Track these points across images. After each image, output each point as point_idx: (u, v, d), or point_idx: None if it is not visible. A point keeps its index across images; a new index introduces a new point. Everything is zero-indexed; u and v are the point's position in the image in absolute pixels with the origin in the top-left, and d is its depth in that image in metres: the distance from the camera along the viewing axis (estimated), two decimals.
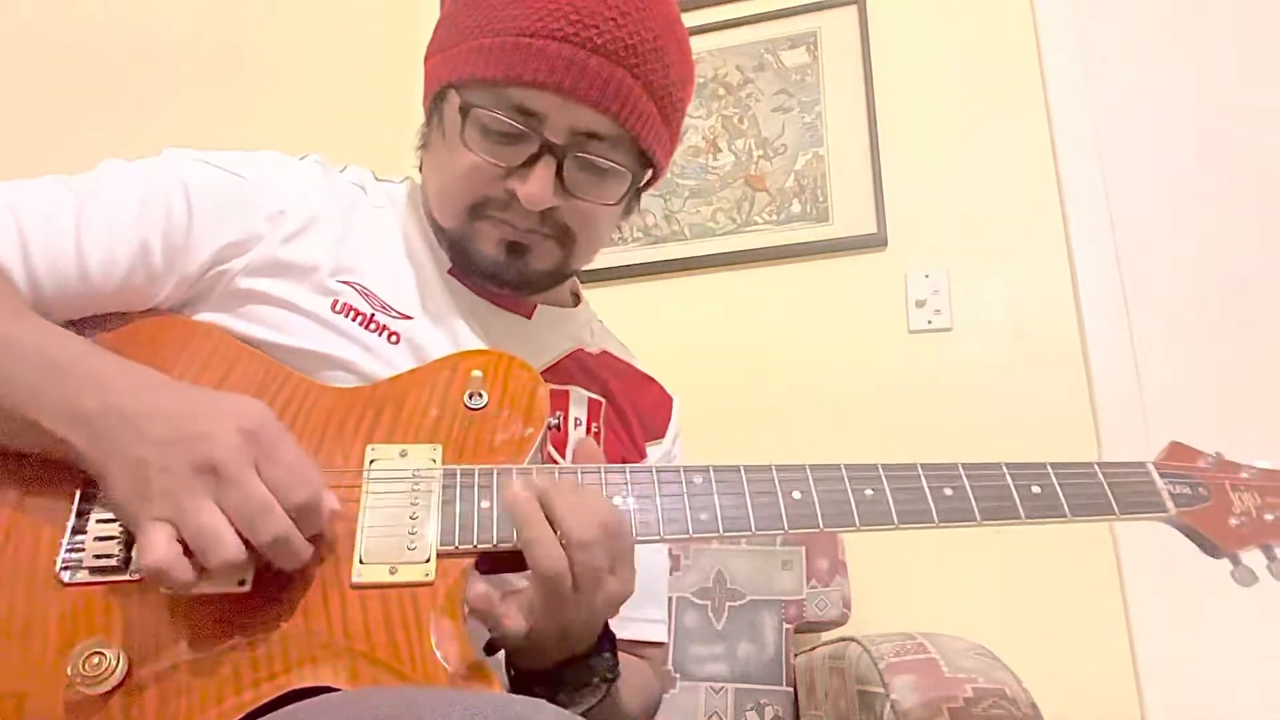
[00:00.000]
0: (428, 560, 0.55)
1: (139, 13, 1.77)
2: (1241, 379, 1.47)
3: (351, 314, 0.69)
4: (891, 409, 1.54)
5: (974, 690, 0.77)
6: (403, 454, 0.60)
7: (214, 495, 0.49)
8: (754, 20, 1.82)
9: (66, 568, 0.53)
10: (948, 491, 0.65)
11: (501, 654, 0.61)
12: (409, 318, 0.71)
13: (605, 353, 0.87)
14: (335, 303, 0.69)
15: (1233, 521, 0.69)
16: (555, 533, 0.54)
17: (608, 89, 0.67)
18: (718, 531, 0.61)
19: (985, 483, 0.65)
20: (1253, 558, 0.69)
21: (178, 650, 0.51)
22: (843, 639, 1.03)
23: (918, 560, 1.45)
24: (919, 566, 1.45)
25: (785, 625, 1.22)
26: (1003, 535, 1.43)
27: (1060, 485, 0.66)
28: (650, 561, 0.83)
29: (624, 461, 0.80)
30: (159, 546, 0.47)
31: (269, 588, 0.53)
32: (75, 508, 0.55)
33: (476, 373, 0.64)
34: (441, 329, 0.72)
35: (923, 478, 0.65)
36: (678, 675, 1.21)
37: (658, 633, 0.82)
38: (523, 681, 0.61)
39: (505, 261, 0.72)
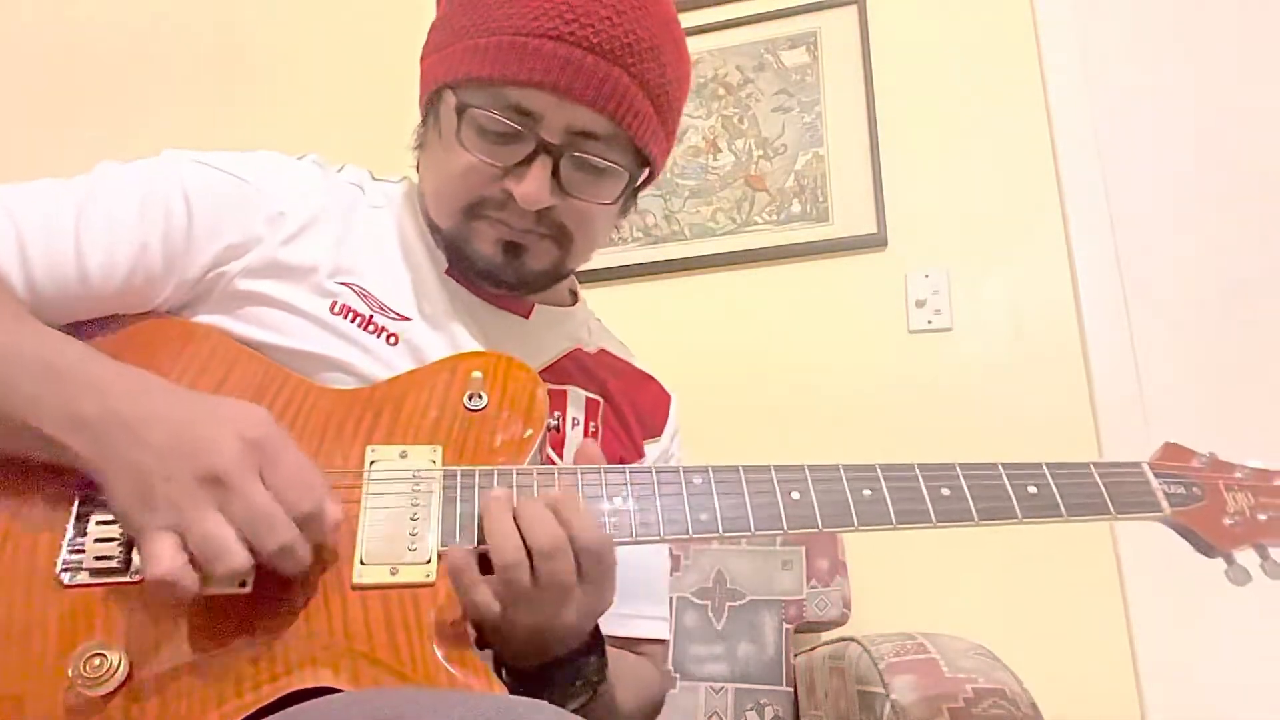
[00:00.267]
0: (429, 561, 0.55)
1: (139, 13, 1.77)
2: (1241, 379, 1.47)
3: (350, 315, 0.69)
4: (891, 409, 1.54)
5: (974, 690, 0.77)
6: (403, 455, 0.60)
7: (218, 505, 0.49)
8: (754, 20, 1.82)
9: (67, 569, 0.53)
10: (945, 491, 0.65)
11: (489, 653, 0.62)
12: (407, 319, 0.71)
13: (603, 351, 0.87)
14: (334, 304, 0.69)
15: (1227, 521, 0.69)
16: (521, 546, 0.54)
17: (604, 88, 0.67)
18: (717, 532, 0.61)
19: (982, 483, 0.66)
20: (1246, 557, 0.69)
21: (178, 652, 0.51)
22: (843, 639, 1.03)
23: (918, 560, 1.45)
24: (919, 566, 1.45)
25: (785, 625, 1.22)
26: (1002, 535, 1.43)
27: (1056, 485, 0.67)
28: (651, 560, 0.83)
29: (622, 461, 0.80)
30: (165, 557, 0.47)
31: (270, 589, 0.53)
32: (75, 510, 0.55)
33: (476, 374, 0.64)
34: (439, 330, 0.72)
35: (920, 478, 0.65)
36: (678, 675, 1.21)
37: (659, 630, 0.82)
38: (512, 683, 0.61)
39: (502, 261, 0.72)
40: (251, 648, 0.51)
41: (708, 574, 1.27)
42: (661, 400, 0.89)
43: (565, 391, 0.79)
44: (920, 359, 1.57)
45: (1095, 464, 0.68)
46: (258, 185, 0.69)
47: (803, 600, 1.23)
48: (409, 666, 0.51)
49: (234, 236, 0.67)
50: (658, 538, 0.61)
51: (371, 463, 0.59)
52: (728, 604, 1.25)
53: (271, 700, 0.50)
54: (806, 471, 0.64)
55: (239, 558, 0.48)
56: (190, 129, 1.79)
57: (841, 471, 0.64)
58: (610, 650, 0.65)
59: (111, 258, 0.64)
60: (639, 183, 0.77)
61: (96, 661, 0.48)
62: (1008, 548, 1.43)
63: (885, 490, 0.64)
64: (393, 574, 0.55)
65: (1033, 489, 0.66)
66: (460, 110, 0.68)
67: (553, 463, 0.74)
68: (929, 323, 1.57)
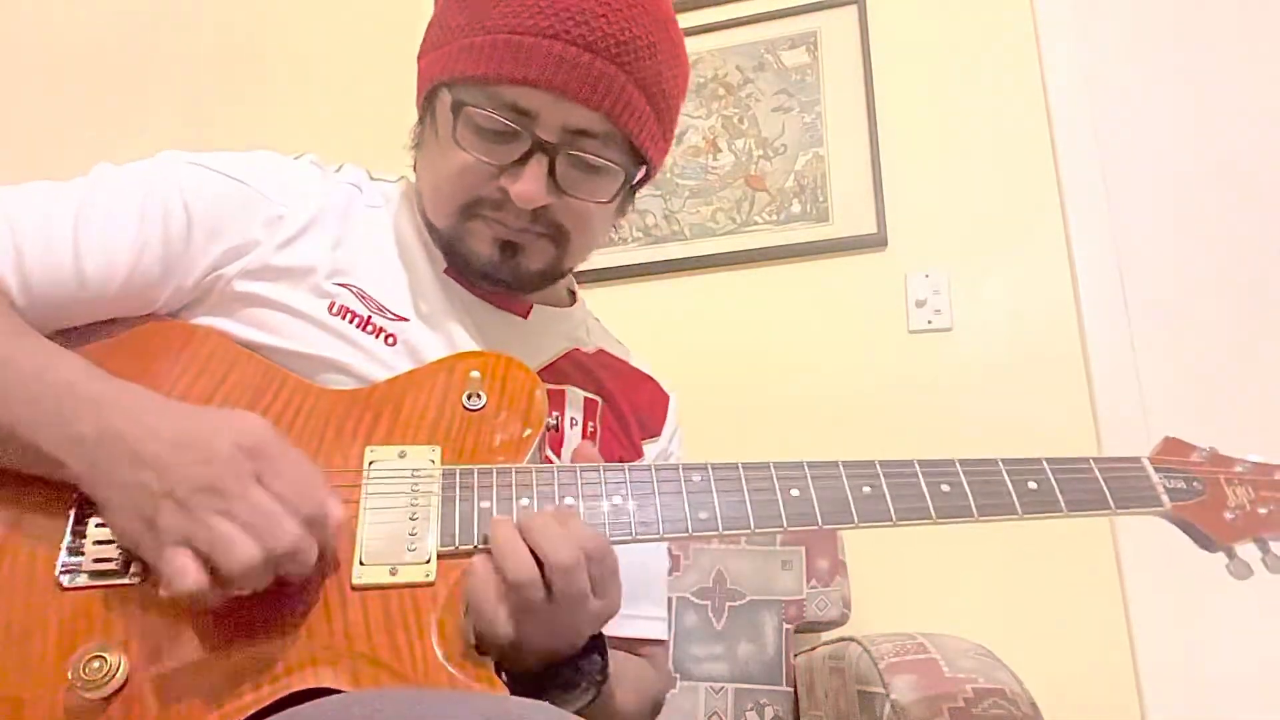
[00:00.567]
0: (428, 561, 0.55)
1: (139, 13, 1.77)
2: (1241, 379, 1.47)
3: (348, 316, 0.69)
4: (891, 409, 1.54)
5: (974, 690, 0.77)
6: (402, 455, 0.60)
7: (220, 512, 0.49)
8: (754, 20, 1.82)
9: (66, 572, 0.53)
10: (945, 488, 0.65)
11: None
12: (405, 319, 0.71)
13: (601, 351, 0.86)
14: (332, 305, 0.69)
15: (1227, 515, 0.69)
16: (533, 564, 0.54)
17: (599, 86, 0.67)
18: (717, 530, 0.61)
19: (982, 479, 0.66)
20: (1247, 551, 0.69)
21: (178, 653, 0.51)
22: (843, 639, 1.03)
23: (918, 560, 1.45)
24: (919, 566, 1.45)
25: (785, 625, 1.22)
26: (1002, 535, 1.43)
27: (1056, 480, 0.67)
28: (649, 560, 0.83)
29: (621, 461, 0.80)
30: (190, 571, 0.47)
31: (269, 590, 0.53)
32: (73, 512, 0.55)
33: (475, 374, 0.64)
34: (437, 330, 0.72)
35: (920, 474, 0.65)
36: (678, 675, 1.21)
37: (658, 630, 0.82)
38: (512, 683, 0.61)
39: (499, 261, 0.72)
40: (251, 649, 0.51)
41: (708, 574, 1.27)
42: (660, 400, 0.89)
43: (563, 391, 0.79)
44: (920, 359, 1.57)
45: (1095, 459, 0.68)
46: (256, 187, 0.69)
47: (803, 600, 1.23)
48: (409, 667, 0.51)
49: (232, 239, 0.67)
50: (657, 536, 0.61)
51: (370, 463, 0.59)
52: (728, 604, 1.25)
53: (272, 701, 0.49)
54: (806, 469, 0.64)
55: (251, 550, 0.48)
56: (190, 129, 1.79)
57: (841, 468, 0.64)
58: (611, 651, 0.65)
59: (110, 261, 0.64)
60: (636, 181, 0.77)
61: (96, 664, 0.48)
62: (1008, 547, 1.43)
63: (885, 487, 0.64)
64: (392, 574, 0.55)
65: (1033, 484, 0.66)
66: (456, 109, 0.68)
67: (551, 462, 0.74)
68: (929, 323, 1.57)
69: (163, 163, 0.70)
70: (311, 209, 0.71)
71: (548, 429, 0.65)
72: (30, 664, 0.50)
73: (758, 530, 0.62)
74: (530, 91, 0.66)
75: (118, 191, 0.66)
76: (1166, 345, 1.51)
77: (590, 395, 0.81)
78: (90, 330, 0.65)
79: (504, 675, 0.61)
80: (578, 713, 0.61)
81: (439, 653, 0.52)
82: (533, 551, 0.54)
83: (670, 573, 1.19)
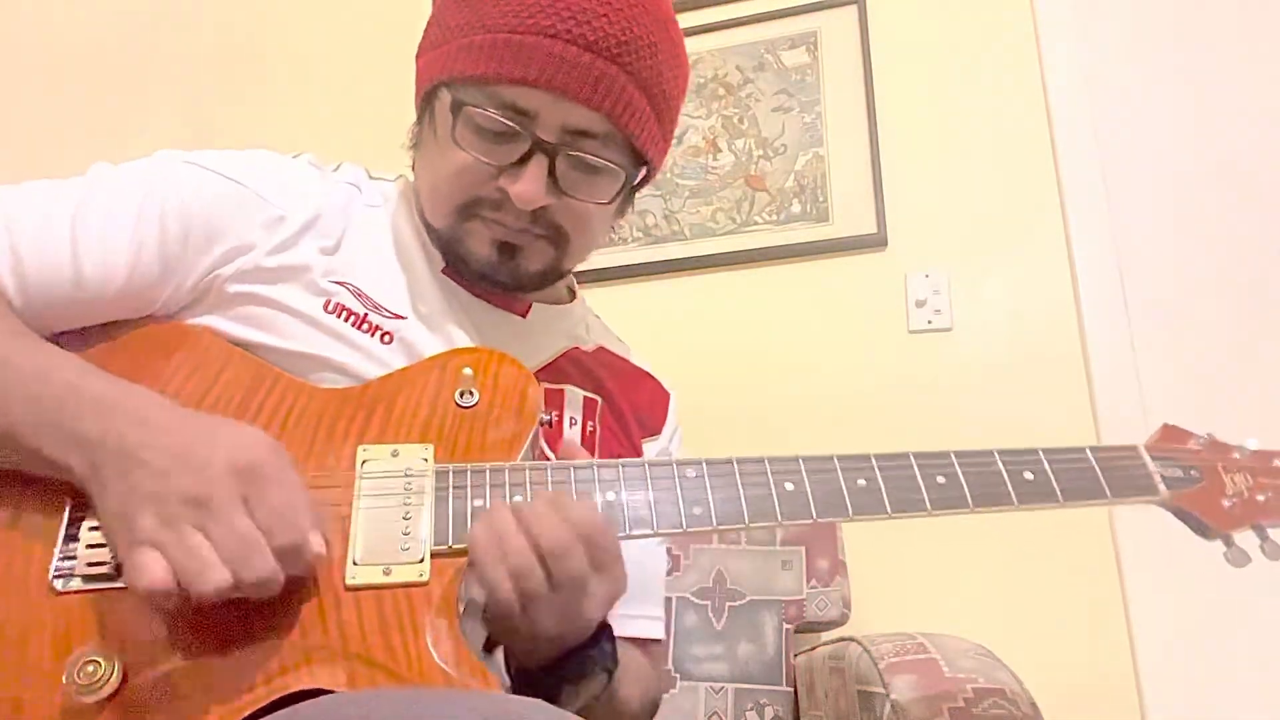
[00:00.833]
0: (422, 560, 0.55)
1: (139, 12, 1.77)
2: (1241, 379, 1.47)
3: (344, 314, 0.68)
4: (891, 409, 1.54)
5: (974, 690, 0.77)
6: (394, 454, 0.60)
7: (199, 526, 0.49)
8: (754, 20, 1.82)
9: (59, 576, 0.53)
10: (940, 479, 0.65)
11: (500, 652, 0.61)
12: (401, 317, 0.70)
13: (601, 349, 0.86)
14: (328, 303, 0.68)
15: (1225, 503, 0.69)
16: (529, 547, 0.54)
17: (600, 86, 0.66)
18: (711, 524, 0.61)
19: (978, 470, 0.65)
20: (1245, 538, 0.69)
21: (173, 656, 0.51)
22: (843, 639, 1.03)
23: (918, 560, 1.45)
24: (919, 566, 1.45)
25: (785, 625, 1.22)
26: (1002, 535, 1.43)
27: (1052, 471, 0.66)
28: (646, 560, 0.83)
29: None
30: (153, 568, 0.48)
31: None
32: (67, 516, 0.54)
33: (467, 370, 0.64)
34: (435, 329, 0.72)
35: (915, 466, 0.65)
36: (677, 675, 1.21)
37: (655, 630, 0.82)
38: (523, 676, 0.61)
39: (497, 262, 0.72)
40: (246, 651, 0.51)
41: (708, 574, 1.27)
42: (660, 398, 0.89)
43: (562, 391, 0.79)
44: (920, 359, 1.57)
45: (1092, 448, 0.68)
46: (254, 189, 0.69)
47: (803, 600, 1.23)
48: (405, 666, 0.51)
49: (230, 241, 0.67)
50: (651, 531, 0.61)
51: (363, 462, 0.59)
52: (728, 604, 1.25)
53: (267, 702, 0.49)
54: (801, 463, 0.64)
55: (220, 575, 0.48)
56: (190, 129, 1.79)
57: (836, 462, 0.64)
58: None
59: (107, 262, 0.63)
60: (636, 182, 0.76)
61: (91, 668, 0.48)
62: (1007, 547, 1.43)
63: (880, 480, 0.64)
64: (386, 574, 0.55)
65: (1029, 475, 0.66)
66: (455, 108, 0.68)
67: (547, 459, 0.74)
68: (929, 323, 1.57)
69: (160, 163, 0.69)
70: (310, 209, 0.70)
71: (541, 425, 0.65)
72: (26, 667, 0.50)
73: (752, 525, 0.62)
74: (530, 91, 0.66)
75: (116, 192, 0.66)
76: (1166, 345, 1.51)
77: (590, 394, 0.81)
78: (87, 332, 0.65)
79: (513, 668, 0.61)
80: (592, 700, 0.61)
81: (434, 652, 0.52)
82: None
83: (670, 573, 1.20)
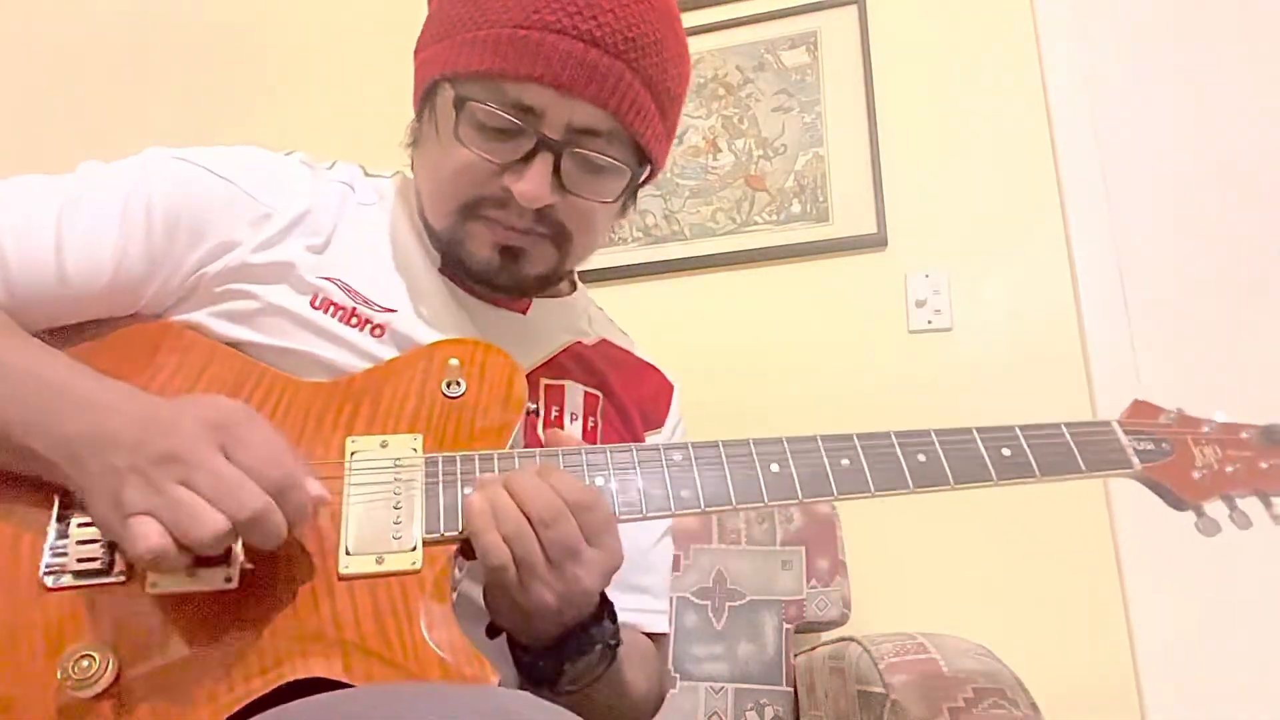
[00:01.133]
0: (414, 549, 0.56)
1: (139, 11, 1.78)
2: (1241, 379, 1.47)
3: (331, 310, 0.68)
4: (891, 409, 1.54)
5: (974, 690, 0.77)
6: (383, 445, 0.60)
7: (182, 480, 0.48)
8: (754, 20, 1.82)
9: (50, 572, 0.53)
10: (921, 457, 0.66)
11: (504, 637, 0.62)
12: (392, 310, 0.70)
13: (603, 341, 0.86)
14: (315, 298, 0.68)
15: (1195, 474, 0.71)
16: (521, 515, 0.55)
17: (606, 83, 0.65)
18: (699, 507, 0.62)
19: (957, 448, 0.67)
20: (1215, 508, 0.71)
21: (167, 650, 0.51)
22: (843, 639, 1.03)
23: (918, 560, 1.45)
24: (919, 566, 1.45)
25: (785, 625, 1.22)
26: (1002, 535, 1.43)
27: (1029, 446, 0.68)
28: (652, 553, 0.83)
29: None
30: (150, 534, 0.47)
31: (256, 584, 0.53)
32: (56, 512, 0.55)
33: (453, 361, 0.64)
34: (431, 323, 0.71)
35: (897, 445, 0.67)
36: (677, 675, 1.21)
37: (659, 623, 0.82)
38: (526, 656, 0.61)
39: (499, 266, 0.71)
40: (241, 643, 0.51)
41: (708, 574, 1.27)
42: (664, 390, 0.88)
43: (563, 387, 0.78)
44: (920, 359, 1.57)
45: (1066, 424, 0.70)
46: (242, 186, 0.68)
47: (803, 600, 1.23)
48: (399, 654, 0.51)
49: (216, 237, 0.67)
50: (640, 516, 0.61)
51: (352, 454, 0.59)
52: (728, 604, 1.25)
53: (263, 693, 0.49)
54: (785, 444, 0.65)
55: (214, 518, 0.47)
56: (190, 128, 1.79)
57: (819, 442, 0.66)
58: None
59: (92, 258, 0.63)
60: (640, 181, 0.76)
61: (85, 663, 0.48)
62: (1007, 548, 1.43)
63: (863, 459, 0.66)
64: (378, 563, 0.55)
65: (1006, 451, 0.68)
66: (459, 104, 0.67)
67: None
68: (929, 323, 1.57)
69: (148, 159, 0.69)
70: (298, 207, 0.70)
71: (528, 414, 0.65)
72: (20, 665, 0.50)
73: (739, 506, 0.63)
74: (535, 88, 0.65)
75: (102, 188, 0.66)
76: (1166, 345, 1.51)
77: (590, 390, 0.80)
78: (74, 331, 0.65)
79: (519, 651, 0.61)
80: (595, 679, 0.62)
81: (428, 638, 0.52)
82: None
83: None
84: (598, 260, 1.71)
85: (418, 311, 0.71)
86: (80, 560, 0.53)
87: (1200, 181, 1.57)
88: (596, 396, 0.81)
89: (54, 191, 0.65)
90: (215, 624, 0.52)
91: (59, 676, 0.48)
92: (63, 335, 0.65)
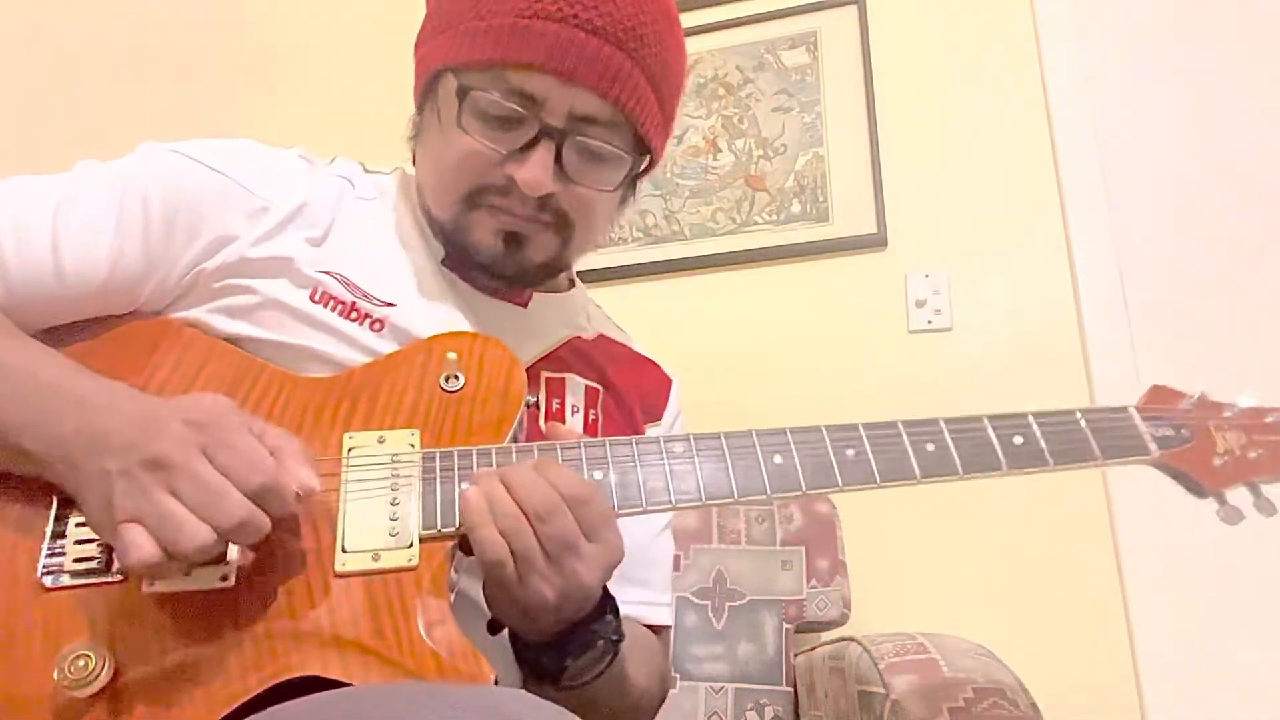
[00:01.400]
0: (410, 545, 0.55)
1: (140, 12, 1.77)
2: (1241, 379, 1.47)
3: (331, 304, 0.68)
4: (891, 409, 1.50)
5: (974, 690, 0.77)
6: (381, 440, 0.60)
7: (167, 487, 0.48)
8: (754, 20, 1.82)
9: (48, 573, 0.53)
10: (929, 447, 0.64)
11: (505, 633, 0.61)
12: (392, 305, 0.70)
13: (602, 336, 0.86)
14: (314, 292, 0.68)
15: (1216, 461, 0.68)
16: (518, 510, 0.54)
17: (607, 71, 0.66)
18: (700, 500, 0.61)
19: (967, 436, 0.65)
20: (1238, 496, 0.68)
21: (164, 649, 0.51)
22: (843, 639, 1.03)
23: (918, 560, 1.45)
24: (919, 566, 1.45)
25: (785, 625, 1.22)
26: (1002, 535, 1.43)
27: (1042, 434, 0.66)
28: (653, 546, 0.83)
29: None
30: (141, 543, 0.47)
31: (253, 583, 0.53)
32: (53, 513, 0.55)
33: (451, 355, 0.64)
34: (432, 317, 0.71)
35: (904, 435, 0.65)
36: (677, 675, 1.21)
37: (662, 616, 0.82)
38: (528, 652, 0.61)
39: (503, 253, 0.71)
40: (237, 642, 0.51)
41: (708, 574, 1.27)
42: (663, 384, 0.89)
43: (564, 380, 0.78)
44: (920, 359, 1.57)
45: (1082, 410, 0.68)
46: (237, 179, 0.68)
47: (803, 600, 1.23)
48: (396, 651, 0.51)
49: (213, 231, 0.67)
50: (640, 509, 0.60)
51: (350, 450, 0.59)
52: (728, 604, 1.25)
53: (260, 691, 0.49)
54: (789, 435, 0.64)
55: (198, 533, 0.47)
56: (189, 128, 1.78)
57: (824, 432, 0.64)
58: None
59: (89, 257, 0.63)
60: (639, 171, 0.76)
61: (81, 663, 0.48)
62: (1008, 548, 1.43)
63: (869, 449, 0.64)
64: (375, 560, 0.55)
65: (1018, 439, 0.65)
66: (461, 94, 0.67)
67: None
68: (929, 323, 1.57)
69: (143, 155, 0.69)
70: (296, 200, 0.70)
71: (527, 407, 0.65)
72: (17, 665, 0.50)
73: (741, 500, 0.61)
74: (537, 76, 0.65)
75: (97, 185, 0.66)
76: (1166, 345, 1.51)
77: (591, 384, 0.80)
78: (73, 330, 0.65)
79: (519, 645, 0.61)
80: (597, 676, 0.61)
81: (425, 636, 0.52)
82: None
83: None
84: (598, 260, 1.72)
85: (418, 305, 0.71)
86: (77, 560, 0.53)
87: (1200, 181, 1.57)
88: (597, 390, 0.81)
89: (50, 190, 0.65)
90: (212, 623, 0.52)
91: (56, 676, 0.48)
92: (61, 335, 0.65)
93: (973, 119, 1.66)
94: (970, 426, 0.66)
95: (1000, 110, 1.65)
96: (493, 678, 0.51)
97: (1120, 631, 1.36)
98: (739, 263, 1.69)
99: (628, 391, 0.83)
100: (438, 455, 0.59)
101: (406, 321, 0.69)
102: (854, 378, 1.58)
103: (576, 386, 0.79)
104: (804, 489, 0.62)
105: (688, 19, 1.84)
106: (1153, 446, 0.67)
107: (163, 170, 0.67)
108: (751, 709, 1.18)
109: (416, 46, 0.75)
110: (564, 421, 0.76)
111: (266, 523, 0.50)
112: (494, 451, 0.60)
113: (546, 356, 0.78)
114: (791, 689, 1.18)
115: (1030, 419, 0.66)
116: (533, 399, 0.68)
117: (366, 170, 0.79)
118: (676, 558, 1.27)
